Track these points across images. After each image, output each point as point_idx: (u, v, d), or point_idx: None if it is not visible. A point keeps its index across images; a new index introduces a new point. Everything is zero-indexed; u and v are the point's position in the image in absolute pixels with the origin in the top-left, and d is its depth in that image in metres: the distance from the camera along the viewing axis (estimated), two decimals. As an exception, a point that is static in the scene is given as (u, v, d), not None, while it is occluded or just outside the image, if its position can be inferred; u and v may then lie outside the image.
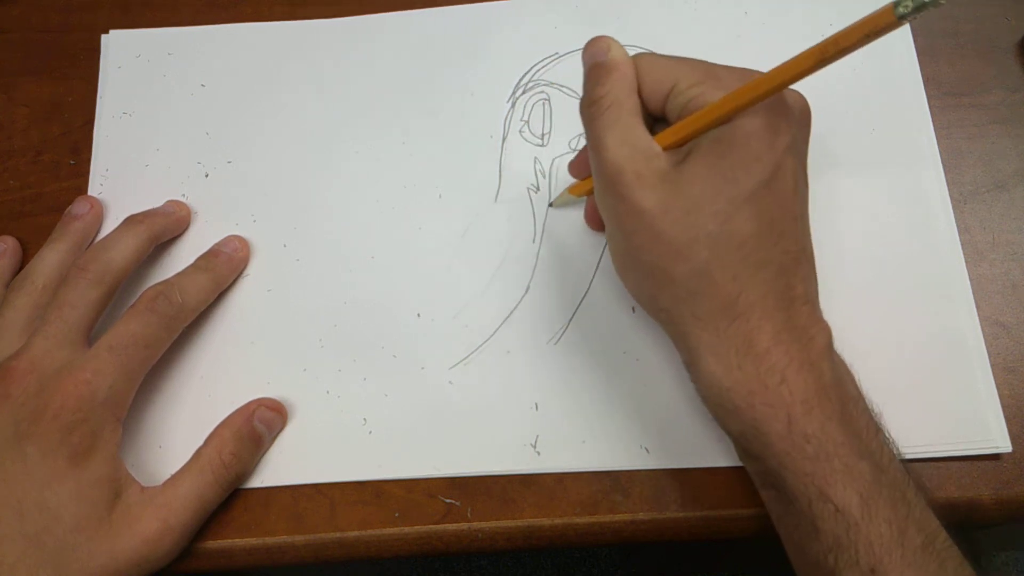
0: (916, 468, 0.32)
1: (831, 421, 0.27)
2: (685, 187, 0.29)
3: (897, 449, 0.30)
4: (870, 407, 0.30)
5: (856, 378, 0.30)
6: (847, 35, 0.26)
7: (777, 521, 0.30)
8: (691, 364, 0.30)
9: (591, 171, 0.32)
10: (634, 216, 0.29)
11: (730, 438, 0.30)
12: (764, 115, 0.28)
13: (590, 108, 0.31)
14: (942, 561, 0.27)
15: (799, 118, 0.30)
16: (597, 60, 0.31)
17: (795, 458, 0.27)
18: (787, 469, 0.28)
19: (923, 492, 0.28)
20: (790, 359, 0.28)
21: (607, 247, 0.32)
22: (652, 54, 0.32)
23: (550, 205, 0.40)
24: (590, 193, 0.36)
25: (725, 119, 0.29)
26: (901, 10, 0.24)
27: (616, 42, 0.32)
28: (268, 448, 0.36)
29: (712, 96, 0.29)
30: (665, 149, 0.30)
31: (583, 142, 0.41)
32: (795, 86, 0.28)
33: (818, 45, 0.27)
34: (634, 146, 0.30)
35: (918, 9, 0.23)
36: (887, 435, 0.29)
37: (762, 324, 0.28)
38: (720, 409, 0.29)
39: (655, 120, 0.32)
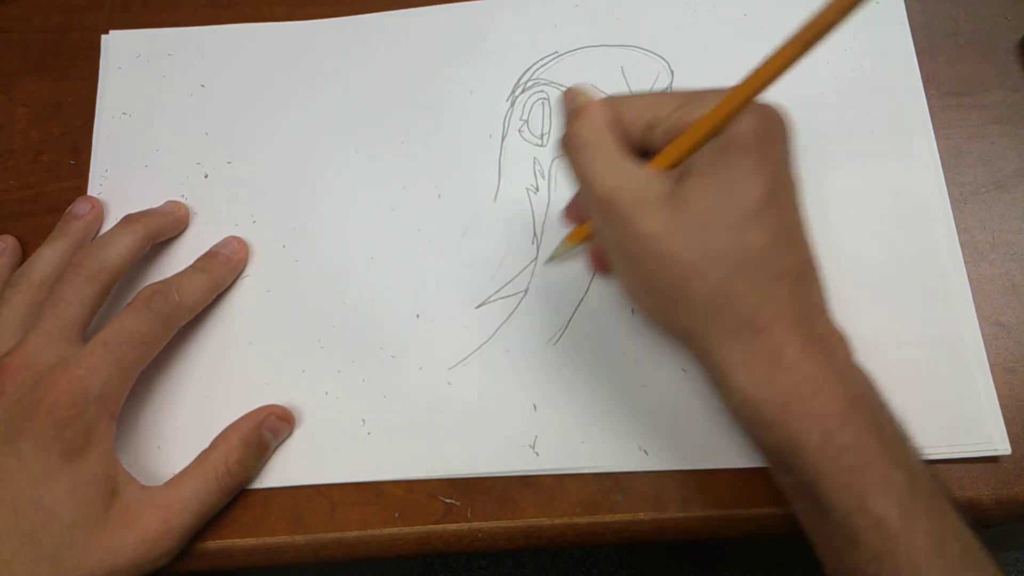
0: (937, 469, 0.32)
1: (865, 431, 0.27)
2: (691, 205, 0.28)
3: (922, 455, 0.29)
4: (894, 414, 0.29)
5: (877, 385, 0.30)
6: (825, 14, 0.25)
7: (812, 531, 0.30)
8: (719, 381, 0.29)
9: (587, 212, 0.31)
10: (639, 241, 0.29)
11: (761, 452, 0.30)
12: (757, 124, 0.28)
13: (570, 145, 0.30)
14: (980, 570, 0.26)
15: (788, 126, 0.30)
16: (567, 110, 0.32)
17: (832, 470, 0.27)
18: (824, 480, 0.27)
19: (952, 498, 0.28)
20: (819, 370, 0.28)
21: (619, 275, 0.32)
22: (622, 95, 0.31)
23: (547, 262, 0.39)
24: (588, 238, 0.35)
25: (714, 132, 0.28)
26: None
27: (583, 90, 0.31)
28: (272, 455, 0.36)
29: (694, 115, 0.29)
30: (661, 171, 0.30)
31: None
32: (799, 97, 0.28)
33: (799, 31, 0.26)
34: (623, 172, 0.29)
35: None
36: (912, 441, 0.29)
37: (788, 336, 0.28)
38: (753, 424, 0.29)
39: (642, 155, 0.31)
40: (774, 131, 0.29)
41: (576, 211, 0.36)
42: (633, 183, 0.29)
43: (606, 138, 0.30)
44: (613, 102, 0.31)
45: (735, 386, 0.28)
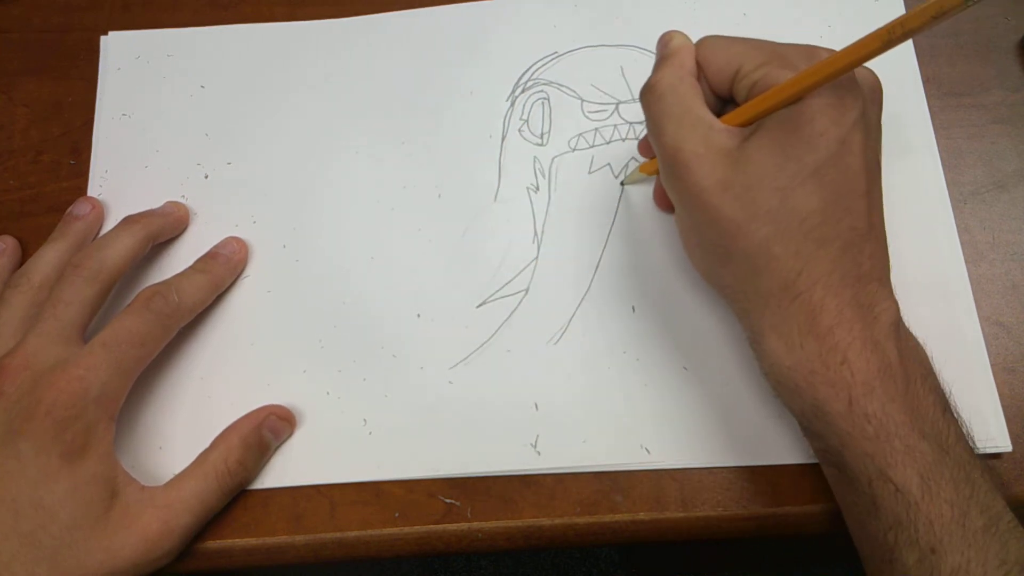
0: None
1: (893, 402, 0.28)
2: (747, 164, 0.29)
3: (967, 428, 0.30)
4: (940, 384, 0.30)
5: (928, 355, 0.30)
6: (915, 17, 0.26)
7: (839, 498, 0.30)
8: (754, 342, 0.30)
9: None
10: (694, 195, 0.30)
11: (793, 415, 0.31)
12: (831, 92, 0.28)
13: (647, 94, 0.32)
14: (1005, 542, 0.26)
15: (869, 95, 0.30)
16: (659, 54, 0.33)
17: (856, 438, 0.28)
18: (848, 448, 0.28)
19: (989, 473, 0.28)
20: (853, 338, 0.28)
21: (677, 224, 0.33)
22: (716, 37, 0.32)
23: (621, 183, 0.40)
24: (657, 173, 0.37)
25: (792, 100, 0.29)
26: None
27: (679, 33, 0.33)
28: (273, 455, 0.36)
29: (778, 76, 0.29)
30: (735, 128, 0.31)
31: (583, 142, 0.41)
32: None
33: (885, 27, 0.27)
34: (692, 126, 0.30)
35: None
36: (956, 414, 0.29)
37: (825, 301, 0.28)
38: (782, 387, 0.30)
39: (724, 103, 0.32)
40: (850, 99, 0.29)
41: (649, 145, 0.37)
42: (700, 137, 0.30)
43: (684, 89, 0.31)
44: (704, 47, 0.32)
45: (767, 349, 0.29)
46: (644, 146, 0.38)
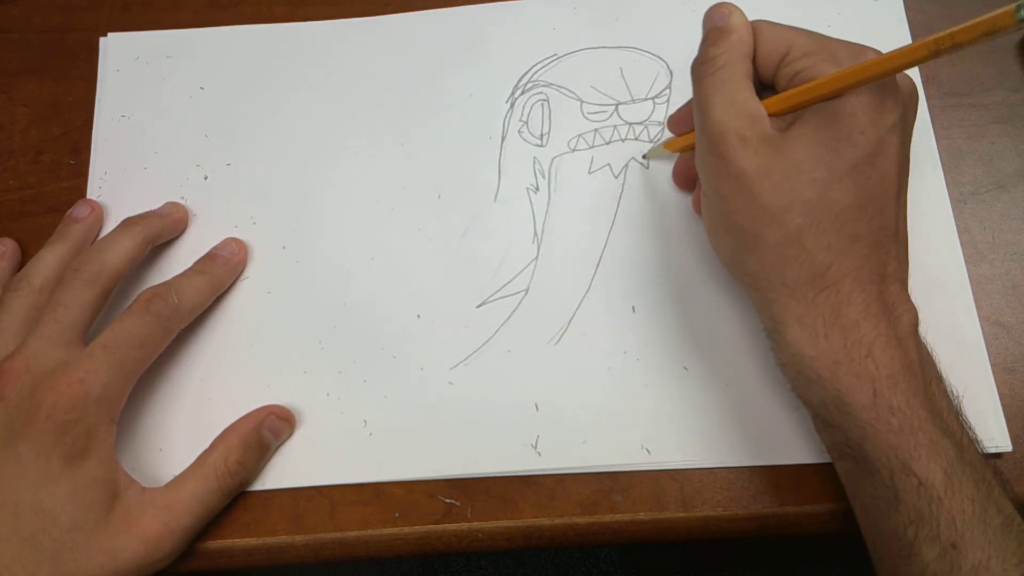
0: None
1: (916, 397, 0.28)
2: (787, 153, 0.29)
3: (974, 433, 0.30)
4: (950, 391, 0.30)
5: (937, 362, 0.30)
6: (965, 32, 0.26)
7: (852, 492, 0.30)
8: (774, 332, 0.30)
9: (694, 129, 0.32)
10: (733, 178, 0.30)
11: (807, 408, 0.31)
12: (873, 92, 0.29)
13: (702, 66, 0.31)
14: (1022, 541, 0.27)
15: (907, 101, 0.31)
16: (716, 24, 0.32)
17: (879, 429, 0.28)
18: (870, 440, 0.28)
19: (999, 477, 0.29)
20: (878, 333, 0.28)
21: (704, 207, 0.33)
22: (769, 21, 0.32)
23: (644, 157, 0.40)
24: (684, 150, 0.37)
25: (834, 95, 0.29)
26: (1023, 13, 0.24)
27: (738, 8, 0.32)
28: (273, 455, 0.36)
29: (824, 69, 0.29)
30: (771, 115, 0.31)
31: (582, 143, 0.41)
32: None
33: (933, 37, 0.27)
34: (741, 108, 0.30)
35: None
36: (965, 419, 0.30)
37: (852, 296, 0.28)
38: (801, 378, 0.30)
39: (763, 88, 0.32)
40: (891, 102, 0.29)
41: (680, 121, 0.37)
42: (748, 119, 0.30)
43: (737, 68, 0.31)
44: (757, 27, 0.32)
45: (789, 339, 0.29)
46: (676, 120, 0.38)
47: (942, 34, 0.27)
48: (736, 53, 0.31)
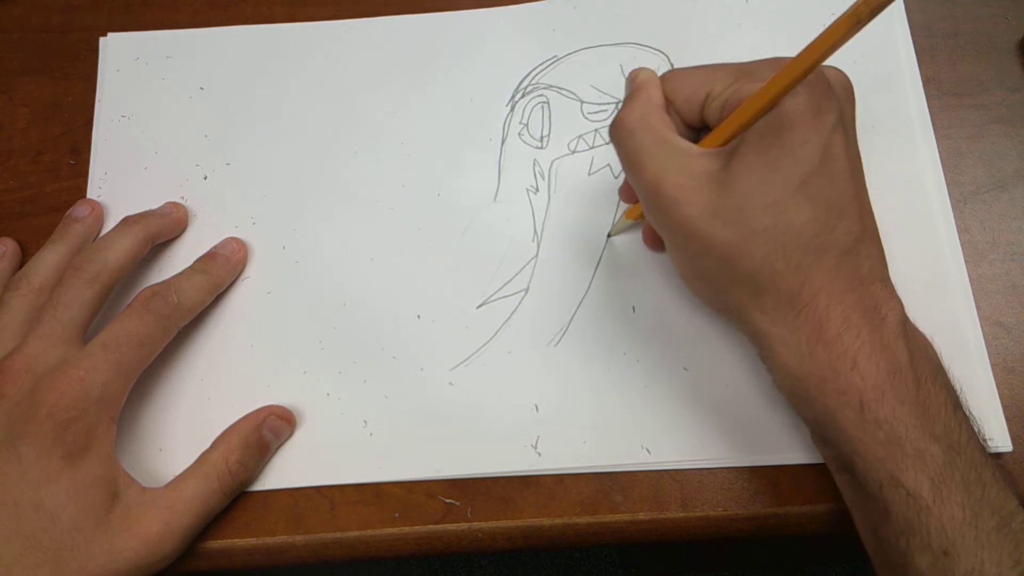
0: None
1: (903, 405, 0.28)
2: (733, 185, 0.29)
3: (978, 426, 0.30)
4: (950, 381, 0.30)
5: (936, 350, 0.30)
6: None
7: (850, 505, 0.30)
8: (766, 358, 0.30)
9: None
10: (683, 226, 0.29)
11: (806, 425, 0.31)
12: (805, 97, 0.28)
13: (616, 132, 0.31)
14: (1018, 542, 0.26)
15: (842, 95, 0.30)
16: (626, 90, 0.32)
17: (867, 443, 0.28)
18: (859, 454, 0.28)
19: (1001, 471, 0.28)
20: (861, 343, 0.28)
21: (671, 259, 0.33)
22: (679, 69, 0.32)
23: (608, 235, 0.39)
24: (642, 216, 0.36)
25: (767, 108, 0.28)
26: None
27: (643, 68, 0.32)
28: (273, 455, 0.36)
29: (749, 89, 0.29)
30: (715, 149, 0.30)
31: (583, 144, 0.41)
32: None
33: (848, 11, 0.25)
34: (670, 157, 0.30)
35: None
36: (967, 411, 0.29)
37: (830, 309, 0.28)
38: (795, 398, 0.30)
39: (698, 131, 0.32)
40: (825, 102, 0.29)
41: (629, 190, 0.37)
42: (679, 167, 0.29)
43: (654, 122, 0.30)
44: (669, 79, 0.32)
45: (779, 363, 0.29)
46: (626, 190, 0.37)
47: (857, 3, 0.25)
48: (645, 108, 0.31)
